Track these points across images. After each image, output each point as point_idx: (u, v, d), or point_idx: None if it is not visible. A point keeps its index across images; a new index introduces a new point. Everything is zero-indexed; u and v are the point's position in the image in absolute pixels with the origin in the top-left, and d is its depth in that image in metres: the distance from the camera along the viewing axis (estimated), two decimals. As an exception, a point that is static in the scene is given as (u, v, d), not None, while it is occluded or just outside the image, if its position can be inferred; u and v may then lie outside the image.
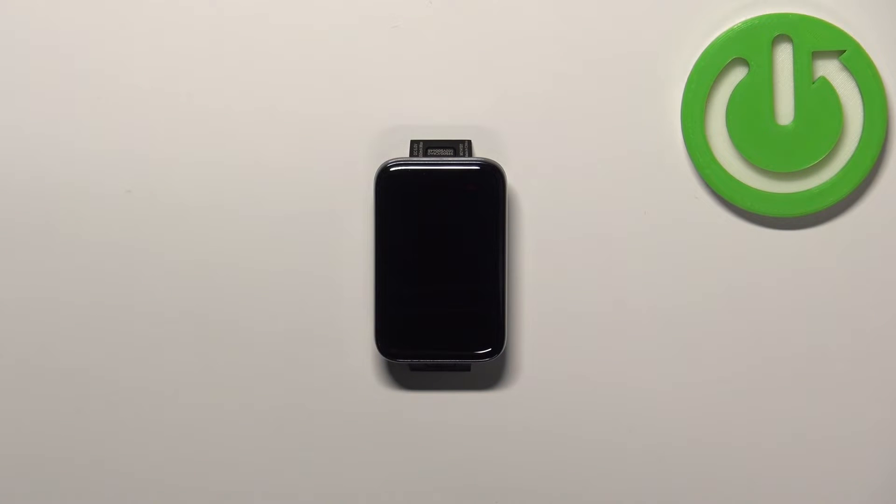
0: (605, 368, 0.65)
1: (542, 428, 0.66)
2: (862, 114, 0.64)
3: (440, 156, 0.63)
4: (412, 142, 0.64)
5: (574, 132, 0.65)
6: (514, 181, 0.65)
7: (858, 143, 0.64)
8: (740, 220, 0.65)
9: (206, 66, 0.64)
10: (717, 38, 0.64)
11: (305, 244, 0.65)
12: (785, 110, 0.64)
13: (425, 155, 0.63)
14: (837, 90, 0.64)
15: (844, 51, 0.63)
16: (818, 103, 0.64)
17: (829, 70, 0.64)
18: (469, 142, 0.64)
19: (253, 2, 0.64)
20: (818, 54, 0.64)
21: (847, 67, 0.64)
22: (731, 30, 0.64)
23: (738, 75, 0.64)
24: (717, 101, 0.64)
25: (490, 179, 0.62)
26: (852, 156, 0.64)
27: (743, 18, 0.64)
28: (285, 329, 0.65)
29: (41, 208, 0.65)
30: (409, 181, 0.62)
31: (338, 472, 0.66)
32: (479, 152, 0.64)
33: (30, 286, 0.65)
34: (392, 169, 0.62)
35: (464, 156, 0.63)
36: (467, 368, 0.64)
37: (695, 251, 0.65)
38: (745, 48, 0.64)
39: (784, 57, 0.64)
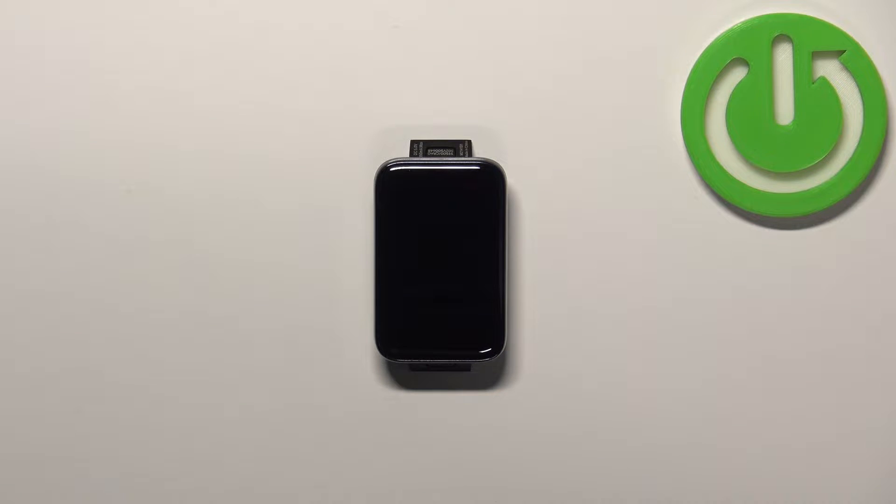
0: (605, 368, 0.65)
1: (543, 428, 0.66)
2: (862, 114, 0.64)
3: (440, 156, 0.63)
4: (412, 142, 0.64)
5: (574, 132, 0.65)
6: (514, 181, 0.65)
7: (858, 143, 0.64)
8: (740, 220, 0.65)
9: (207, 65, 0.64)
10: (717, 38, 0.64)
11: (305, 244, 0.65)
12: (785, 110, 0.64)
13: (425, 155, 0.63)
14: (837, 90, 0.64)
15: (844, 51, 0.64)
16: (818, 103, 0.64)
17: (829, 70, 0.64)
18: (469, 142, 0.64)
19: (253, 2, 0.64)
20: (818, 54, 0.64)
21: (847, 67, 0.64)
22: (731, 30, 0.64)
23: (738, 75, 0.64)
24: (717, 101, 0.64)
25: (490, 179, 0.62)
26: (852, 156, 0.64)
27: (743, 18, 0.64)
28: (285, 329, 0.65)
29: (41, 207, 0.65)
30: (409, 181, 0.62)
31: (338, 472, 0.66)
32: (479, 152, 0.64)
33: (30, 285, 0.65)
34: (392, 169, 0.62)
35: (464, 156, 0.63)
36: (467, 368, 0.64)
37: (695, 251, 0.65)
38: (745, 48, 0.64)
39: (784, 57, 0.64)
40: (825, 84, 0.64)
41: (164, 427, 0.66)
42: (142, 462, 0.66)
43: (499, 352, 0.63)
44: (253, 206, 0.65)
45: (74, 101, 0.64)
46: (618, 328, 0.65)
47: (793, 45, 0.64)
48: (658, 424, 0.66)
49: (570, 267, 0.65)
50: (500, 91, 0.65)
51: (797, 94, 0.64)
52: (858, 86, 0.64)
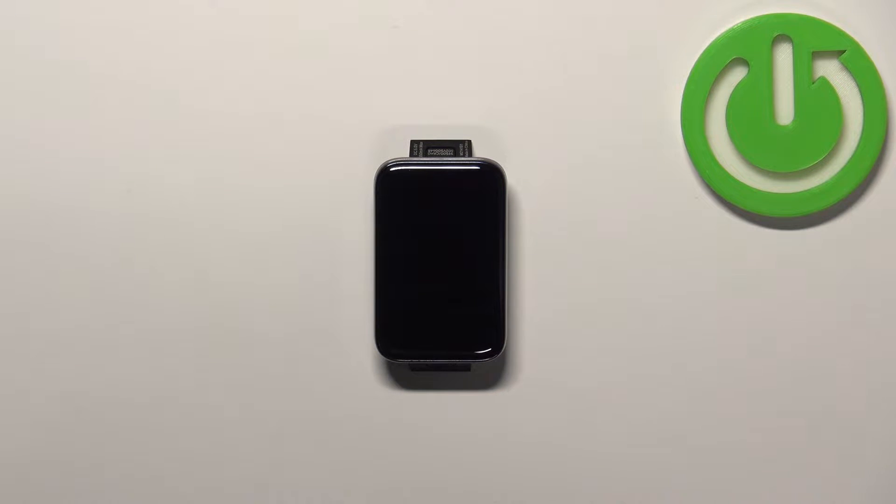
0: (605, 368, 0.65)
1: (542, 428, 0.66)
2: (862, 114, 0.64)
3: (440, 156, 0.63)
4: (412, 142, 0.64)
5: (574, 132, 0.65)
6: (514, 181, 0.65)
7: (858, 143, 0.64)
8: (740, 220, 0.65)
9: (206, 66, 0.64)
10: (717, 38, 0.64)
11: (306, 244, 0.65)
12: (785, 110, 0.64)
13: (425, 155, 0.63)
14: (837, 90, 0.64)
15: (844, 51, 0.64)
16: (818, 103, 0.64)
17: (829, 70, 0.64)
18: (469, 142, 0.64)
19: (253, 2, 0.64)
20: (818, 54, 0.64)
21: (847, 67, 0.64)
22: (731, 30, 0.64)
23: (738, 75, 0.64)
24: (717, 101, 0.64)
25: (490, 179, 0.62)
26: (852, 156, 0.64)
27: (743, 18, 0.64)
28: (285, 329, 0.65)
29: (41, 209, 0.65)
30: (409, 181, 0.62)
31: (338, 472, 0.66)
32: (479, 152, 0.64)
33: (29, 287, 0.65)
34: (392, 169, 0.62)
35: (464, 156, 0.63)
36: (467, 368, 0.64)
37: (695, 251, 0.65)
38: (745, 48, 0.64)
39: (784, 57, 0.64)
40: (825, 84, 0.64)
41: (164, 427, 0.66)
42: (142, 462, 0.66)
43: (499, 352, 0.63)
44: (253, 206, 0.65)
45: (74, 101, 0.64)
46: (618, 328, 0.65)
47: (793, 45, 0.64)
48: (658, 424, 0.66)
49: (570, 267, 0.65)
50: (500, 91, 0.65)
51: (797, 94, 0.64)
52: (858, 86, 0.64)
